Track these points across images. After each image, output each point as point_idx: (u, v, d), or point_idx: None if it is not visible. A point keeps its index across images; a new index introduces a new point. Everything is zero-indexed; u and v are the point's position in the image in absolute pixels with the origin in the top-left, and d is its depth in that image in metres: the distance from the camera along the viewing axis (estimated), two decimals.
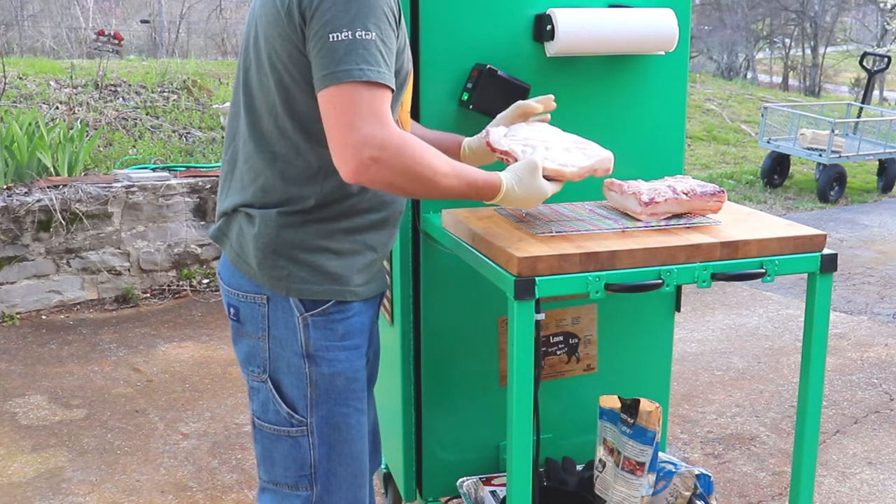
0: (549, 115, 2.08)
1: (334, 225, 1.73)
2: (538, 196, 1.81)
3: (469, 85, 2.16)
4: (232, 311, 1.80)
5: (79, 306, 4.97)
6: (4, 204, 4.73)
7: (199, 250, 5.34)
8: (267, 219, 1.71)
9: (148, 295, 5.17)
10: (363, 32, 1.56)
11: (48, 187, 4.94)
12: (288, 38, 1.62)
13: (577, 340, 2.43)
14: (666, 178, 2.11)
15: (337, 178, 1.66)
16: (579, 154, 1.91)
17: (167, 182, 5.19)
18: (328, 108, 1.57)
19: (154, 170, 5.45)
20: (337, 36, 1.55)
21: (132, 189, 5.07)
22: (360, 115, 1.54)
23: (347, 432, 1.80)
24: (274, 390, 1.77)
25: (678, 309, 2.53)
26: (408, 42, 1.77)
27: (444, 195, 1.69)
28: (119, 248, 5.06)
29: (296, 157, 1.70)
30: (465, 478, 2.35)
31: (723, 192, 2.06)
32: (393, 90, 1.60)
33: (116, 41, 7.82)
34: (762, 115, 8.85)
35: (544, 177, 1.81)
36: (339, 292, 1.74)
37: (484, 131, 1.98)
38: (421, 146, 1.62)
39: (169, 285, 5.24)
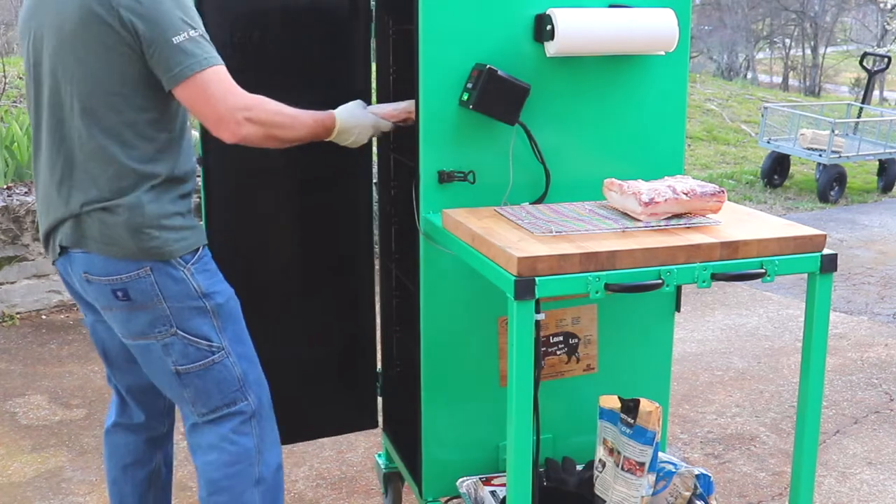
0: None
1: (175, 191, 2.05)
2: (365, 123, 2.23)
3: (469, 85, 2.16)
4: (119, 294, 2.03)
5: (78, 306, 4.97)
6: (4, 204, 4.73)
7: None
8: (131, 203, 1.98)
9: None
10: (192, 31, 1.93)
11: None
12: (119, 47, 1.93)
13: (577, 340, 2.43)
14: (666, 178, 2.11)
15: (173, 155, 2.04)
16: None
17: None
18: (193, 95, 1.94)
19: None
20: (177, 38, 1.91)
21: None
22: (219, 91, 1.95)
23: (248, 341, 2.19)
24: (186, 335, 2.07)
25: (678, 309, 2.53)
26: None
27: (303, 136, 2.12)
28: None
29: (143, 143, 2.00)
30: (464, 478, 2.35)
31: (723, 192, 2.06)
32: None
33: None
34: (762, 116, 8.85)
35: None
36: (199, 239, 2.10)
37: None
38: (272, 101, 2.02)
39: None
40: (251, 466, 2.16)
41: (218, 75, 1.95)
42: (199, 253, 2.09)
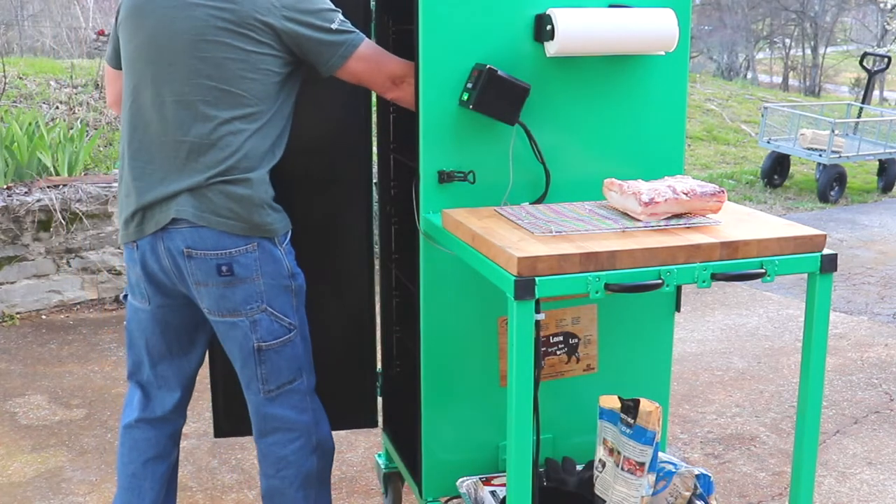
0: None
1: (269, 178, 2.19)
2: None
3: (469, 85, 2.16)
4: (223, 268, 2.14)
5: (79, 306, 4.97)
6: (4, 204, 4.73)
7: None
8: (258, 180, 2.13)
9: None
10: None
11: (48, 187, 4.94)
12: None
13: (577, 340, 2.43)
14: (666, 178, 2.11)
15: (284, 140, 2.21)
16: None
17: None
18: (361, 68, 2.19)
19: None
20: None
21: None
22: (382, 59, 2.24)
23: (306, 324, 2.34)
24: (274, 311, 2.22)
25: (678, 309, 2.53)
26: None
27: None
28: (119, 248, 5.06)
29: (271, 129, 2.16)
30: (464, 478, 2.35)
31: (723, 191, 2.06)
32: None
33: None
34: (762, 116, 8.85)
35: None
36: (288, 223, 2.26)
37: None
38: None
39: None
40: (310, 437, 2.35)
41: (370, 49, 2.20)
42: (288, 233, 2.25)
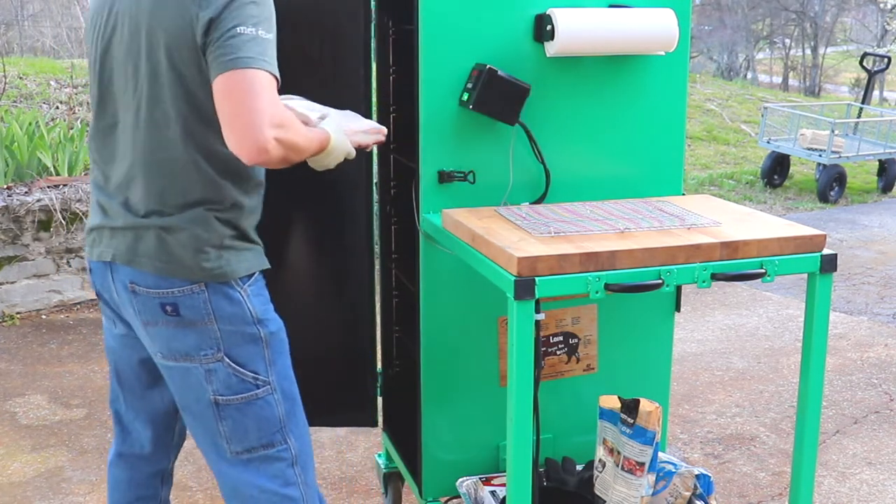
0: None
1: (240, 209, 1.89)
2: (344, 149, 1.96)
3: (469, 85, 2.16)
4: (168, 308, 1.85)
5: (79, 306, 4.97)
6: (4, 204, 4.73)
7: None
8: (195, 218, 1.83)
9: None
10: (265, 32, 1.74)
11: (48, 187, 4.94)
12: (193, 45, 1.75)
13: (577, 340, 2.43)
14: None
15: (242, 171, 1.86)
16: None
17: None
18: (234, 88, 1.70)
19: None
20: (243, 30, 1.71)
21: None
22: (264, 96, 1.70)
23: (293, 379, 2.00)
24: (233, 363, 1.89)
25: (678, 309, 2.53)
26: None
27: (306, 157, 1.86)
28: None
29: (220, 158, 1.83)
30: (464, 478, 2.35)
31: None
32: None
33: None
34: (762, 116, 8.85)
35: None
36: (261, 262, 1.94)
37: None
38: (297, 121, 1.82)
39: None
40: None
41: (270, 81, 1.71)
42: (255, 275, 1.92)
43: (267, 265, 1.96)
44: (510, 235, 1.92)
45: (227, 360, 1.88)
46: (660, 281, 1.86)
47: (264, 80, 1.70)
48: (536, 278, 1.78)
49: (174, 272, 1.83)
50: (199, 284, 1.84)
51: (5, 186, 4.97)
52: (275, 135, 1.68)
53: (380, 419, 2.82)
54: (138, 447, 2.13)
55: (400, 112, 2.60)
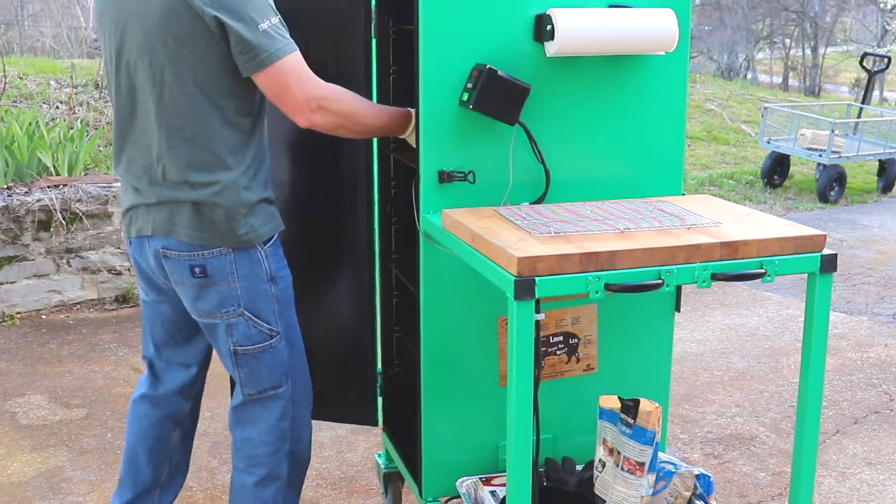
0: None
1: (259, 177, 2.17)
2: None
3: (469, 85, 2.16)
4: (196, 270, 2.13)
5: (79, 306, 4.97)
6: (4, 204, 4.73)
7: None
8: (226, 185, 2.09)
9: None
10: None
11: (48, 187, 4.94)
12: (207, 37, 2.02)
13: (577, 340, 2.43)
14: None
15: (256, 141, 2.16)
16: None
17: None
18: (273, 81, 2.04)
19: None
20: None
21: None
22: (298, 79, 2.05)
23: (297, 329, 2.37)
24: (252, 317, 2.20)
25: (678, 309, 2.53)
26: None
27: (375, 129, 2.23)
28: (119, 248, 5.06)
29: (231, 130, 2.10)
30: (464, 478, 2.35)
31: None
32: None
33: None
34: (762, 116, 8.85)
35: None
36: (279, 224, 2.24)
37: None
38: (348, 92, 2.14)
39: None
40: (285, 443, 2.35)
41: (296, 62, 2.04)
42: (274, 237, 2.22)
43: (283, 226, 2.25)
44: (510, 235, 1.92)
45: (248, 314, 2.18)
46: (660, 281, 1.86)
47: (287, 65, 2.02)
48: (536, 278, 1.78)
49: (208, 240, 2.11)
50: (227, 247, 2.12)
51: (5, 186, 4.97)
52: (319, 104, 2.05)
53: (380, 419, 2.82)
54: (163, 389, 2.41)
55: None
